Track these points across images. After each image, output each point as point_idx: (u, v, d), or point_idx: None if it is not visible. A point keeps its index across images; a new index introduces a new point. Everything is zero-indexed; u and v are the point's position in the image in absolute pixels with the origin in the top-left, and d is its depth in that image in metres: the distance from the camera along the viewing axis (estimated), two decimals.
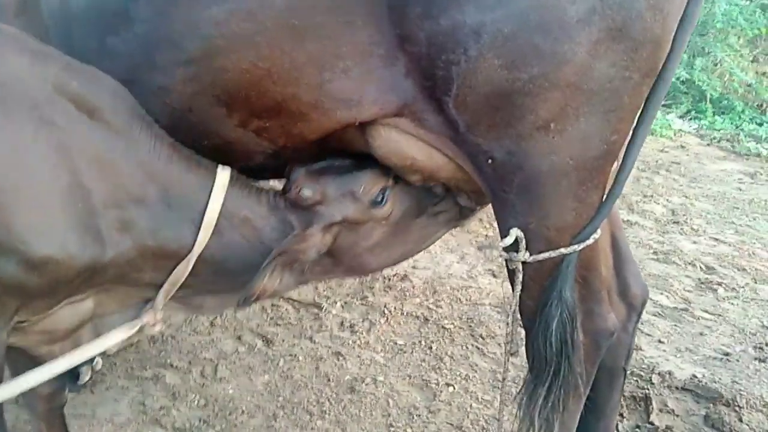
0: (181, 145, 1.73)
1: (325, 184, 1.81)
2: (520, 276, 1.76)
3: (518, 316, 1.87)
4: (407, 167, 1.83)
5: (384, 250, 1.96)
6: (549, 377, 1.80)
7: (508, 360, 1.96)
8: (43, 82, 1.51)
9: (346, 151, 1.88)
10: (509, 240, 1.67)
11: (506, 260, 1.78)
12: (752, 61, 10.01)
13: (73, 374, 2.75)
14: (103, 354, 2.94)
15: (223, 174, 1.75)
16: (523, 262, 1.72)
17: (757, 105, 8.81)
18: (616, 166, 1.96)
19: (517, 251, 1.70)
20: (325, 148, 1.86)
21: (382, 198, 1.85)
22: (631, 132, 1.70)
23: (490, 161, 1.62)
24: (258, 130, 1.76)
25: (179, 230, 1.69)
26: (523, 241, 1.68)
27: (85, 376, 2.78)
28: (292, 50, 1.59)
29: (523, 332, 1.88)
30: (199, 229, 1.69)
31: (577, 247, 1.68)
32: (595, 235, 1.70)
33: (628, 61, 1.47)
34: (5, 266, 1.46)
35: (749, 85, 8.94)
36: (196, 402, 2.75)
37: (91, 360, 2.81)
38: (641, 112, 1.64)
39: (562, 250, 1.68)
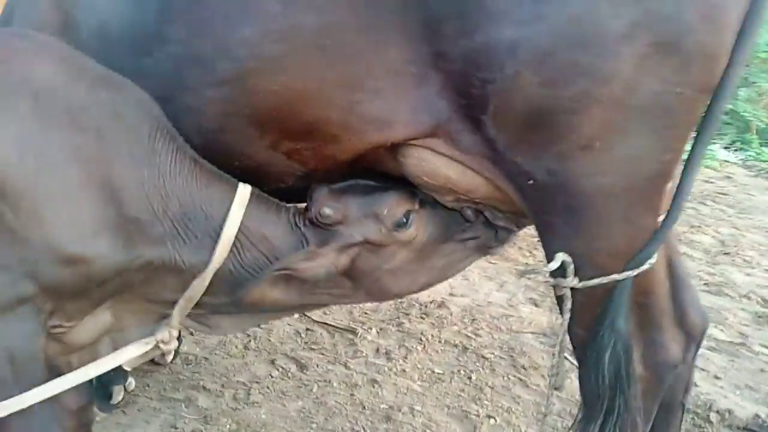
0: (203, 159, 1.72)
1: (347, 204, 1.75)
2: (569, 303, 1.65)
3: (566, 346, 1.75)
4: (440, 187, 1.75)
5: (407, 275, 1.88)
6: (602, 415, 1.66)
7: (552, 394, 1.83)
8: (77, 89, 1.54)
9: (376, 171, 1.82)
10: (555, 264, 1.57)
11: (553, 286, 1.67)
12: None
13: (105, 394, 2.71)
14: (135, 374, 2.91)
15: (244, 190, 1.73)
16: (572, 288, 1.61)
17: None
18: (672, 187, 1.87)
19: (564, 276, 1.60)
20: (356, 170, 1.81)
21: (407, 221, 1.78)
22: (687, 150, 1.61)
23: (531, 182, 1.53)
24: (289, 152, 1.72)
25: (197, 245, 1.67)
26: (571, 266, 1.58)
27: (118, 396, 2.73)
28: (323, 71, 1.55)
29: (568, 365, 1.77)
30: (216, 245, 1.66)
31: (631, 273, 1.56)
32: (651, 260, 1.59)
33: (680, 77, 1.37)
34: (41, 264, 1.48)
35: None
36: (227, 426, 2.67)
37: (124, 380, 2.77)
38: (699, 130, 1.54)
39: (615, 276, 1.56)
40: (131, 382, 2.83)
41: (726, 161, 7.50)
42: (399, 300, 3.73)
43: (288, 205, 1.84)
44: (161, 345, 1.79)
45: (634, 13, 1.32)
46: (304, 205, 1.85)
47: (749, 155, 7.90)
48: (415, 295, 3.78)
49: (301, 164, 1.77)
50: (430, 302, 3.67)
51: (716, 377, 2.96)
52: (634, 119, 1.40)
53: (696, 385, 2.86)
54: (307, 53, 1.54)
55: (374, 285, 1.86)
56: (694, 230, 4.92)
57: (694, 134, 1.61)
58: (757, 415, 2.65)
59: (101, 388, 2.69)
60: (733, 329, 3.38)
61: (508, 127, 1.49)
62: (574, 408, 2.74)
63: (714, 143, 8.02)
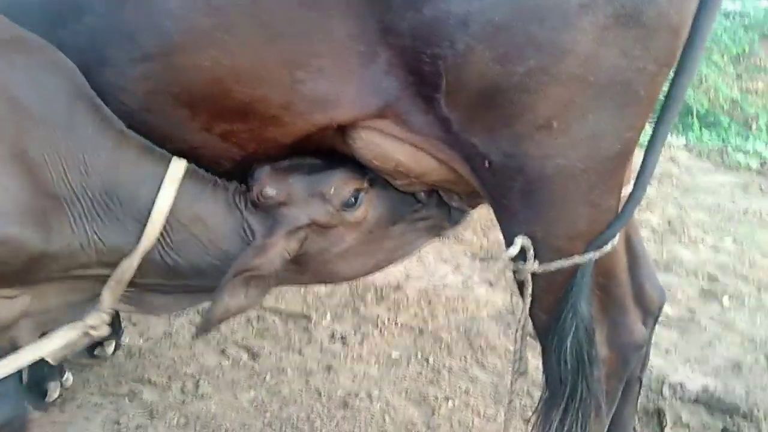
0: (132, 132, 1.57)
1: (291, 184, 1.64)
2: (530, 288, 1.60)
3: (527, 331, 1.71)
4: (392, 171, 1.67)
5: (357, 258, 1.80)
6: (565, 399, 1.63)
7: (515, 381, 1.78)
8: None
9: (324, 152, 1.72)
10: (514, 250, 1.51)
11: (513, 271, 1.61)
12: (736, 78, 10.13)
13: (39, 391, 2.52)
14: (73, 369, 2.73)
15: (177, 166, 1.59)
16: (533, 273, 1.56)
17: (743, 120, 8.87)
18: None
19: (524, 260, 1.54)
20: (301, 153, 1.70)
21: (356, 200, 1.69)
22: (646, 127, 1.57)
23: (487, 164, 1.46)
24: (225, 134, 1.60)
25: (122, 226, 1.55)
26: (531, 250, 1.52)
27: (53, 393, 2.55)
28: (260, 47, 1.43)
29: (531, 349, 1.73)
30: (145, 225, 1.54)
31: (592, 256, 1.52)
32: (614, 242, 1.55)
33: (642, 51, 1.31)
34: None
35: (734, 101, 9.01)
36: (175, 420, 2.53)
37: (60, 375, 2.59)
38: (663, 105, 1.50)
39: (576, 259, 1.52)
40: (68, 377, 2.65)
41: (670, 144, 7.71)
42: (354, 284, 3.65)
43: (228, 183, 1.71)
44: (91, 331, 1.65)
45: None
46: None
47: (691, 138, 8.17)
48: (370, 279, 3.71)
49: (239, 147, 1.64)
50: (386, 286, 3.60)
51: (667, 352, 3.01)
52: (594, 96, 1.34)
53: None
54: (241, 27, 1.42)
55: (322, 268, 1.77)
56: (641, 210, 5.01)
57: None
58: (706, 387, 2.71)
59: (34, 385, 2.51)
60: (681, 305, 3.45)
61: (462, 106, 1.41)
62: (531, 387, 2.74)
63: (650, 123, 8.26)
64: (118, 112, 1.56)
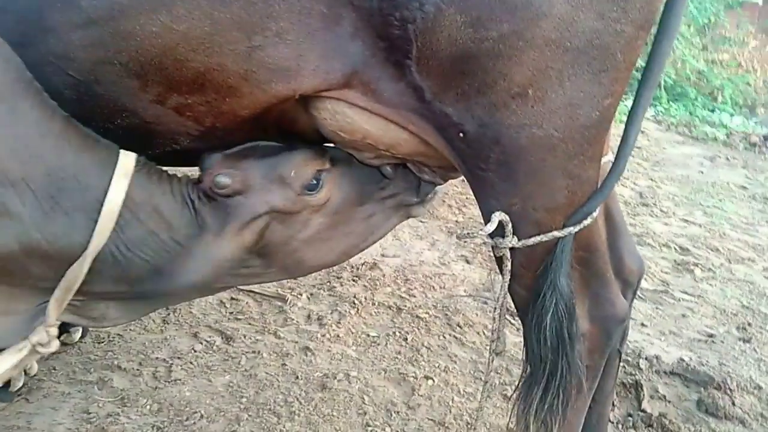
0: (76, 121, 1.42)
1: (246, 170, 1.51)
2: (509, 264, 1.55)
3: (506, 308, 1.67)
4: (359, 144, 1.59)
5: (324, 244, 1.68)
6: (545, 376, 1.60)
7: (492, 359, 1.75)
8: None
9: (284, 130, 1.61)
10: (491, 226, 1.45)
11: (492, 246, 1.57)
12: (702, 49, 10.25)
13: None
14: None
15: (127, 157, 1.45)
16: (511, 248, 1.52)
17: (709, 92, 9.00)
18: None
19: (502, 236, 1.49)
20: (263, 128, 1.59)
21: (318, 182, 1.57)
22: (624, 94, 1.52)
23: (461, 135, 1.39)
24: (179, 107, 1.48)
25: (70, 223, 1.39)
26: (509, 225, 1.47)
27: (18, 383, 2.43)
28: (214, 10, 1.31)
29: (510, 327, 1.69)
30: (96, 222, 1.39)
31: (572, 230, 1.48)
32: (594, 214, 1.51)
33: (619, 12, 1.26)
34: None
35: (700, 72, 9.13)
36: (148, 407, 2.45)
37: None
38: (645, 71, 1.46)
39: (555, 233, 1.47)
40: (33, 365, 2.51)
41: None
42: None
43: (178, 174, 1.57)
44: (39, 349, 1.49)
45: None
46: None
47: (659, 111, 8.26)
48: None
49: (195, 122, 1.52)
50: (362, 264, 3.55)
51: (643, 325, 3.05)
52: (570, 62, 1.28)
53: None
54: None
55: (289, 259, 1.65)
56: None
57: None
58: (681, 359, 2.75)
59: None
60: (655, 278, 3.50)
61: (434, 73, 1.33)
62: (510, 364, 2.74)
63: (627, 99, 8.32)
64: (64, 84, 1.43)
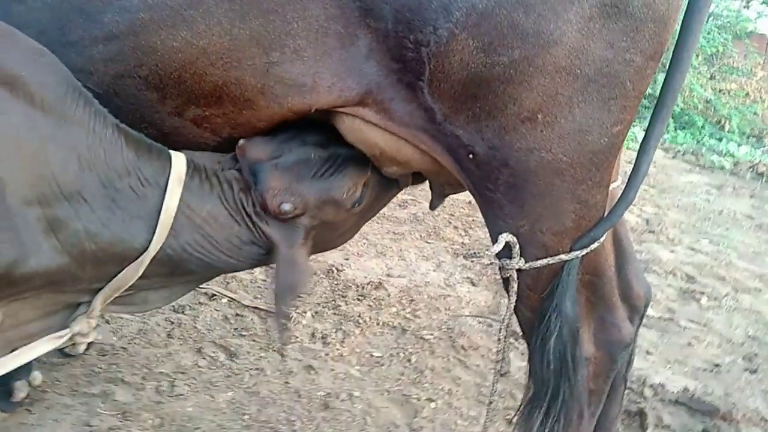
0: (127, 126, 1.45)
1: (305, 195, 1.58)
2: (515, 285, 1.57)
3: (511, 330, 1.68)
4: (377, 157, 1.63)
5: (345, 235, 1.85)
6: (547, 400, 1.60)
7: (497, 381, 1.75)
8: None
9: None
10: (498, 247, 1.47)
11: (499, 267, 1.58)
12: (710, 78, 10.31)
13: (5, 391, 2.41)
14: (42, 367, 2.62)
15: (179, 162, 1.49)
16: (518, 270, 1.53)
17: (716, 120, 9.04)
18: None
19: (510, 257, 1.51)
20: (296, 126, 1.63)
21: (362, 197, 1.68)
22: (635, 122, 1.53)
23: (471, 156, 1.42)
24: (197, 119, 1.52)
25: (127, 230, 1.42)
26: (517, 246, 1.49)
27: (21, 393, 2.43)
28: (233, 26, 1.35)
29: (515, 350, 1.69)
30: (154, 228, 1.43)
31: (579, 253, 1.50)
32: (601, 239, 1.52)
33: (629, 42, 1.29)
34: None
35: (708, 101, 9.19)
36: (150, 422, 2.44)
37: (28, 374, 2.48)
38: (658, 101, 1.48)
39: (562, 257, 1.49)
40: (36, 376, 2.53)
41: None
42: (335, 282, 3.59)
43: (230, 176, 1.61)
44: (78, 338, 1.53)
45: None
46: (232, 170, 1.64)
47: (666, 138, 8.28)
48: (351, 277, 3.66)
49: (212, 132, 1.57)
50: (367, 284, 3.55)
51: (648, 352, 3.03)
52: (580, 89, 1.31)
53: None
54: (213, 5, 1.34)
55: (322, 247, 1.80)
56: None
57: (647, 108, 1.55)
58: (686, 388, 2.72)
59: (0, 385, 2.39)
60: (661, 305, 3.48)
61: (446, 95, 1.36)
62: (514, 388, 2.72)
63: (635, 126, 8.36)
64: None
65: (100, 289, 1.48)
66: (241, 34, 1.35)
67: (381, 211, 4.83)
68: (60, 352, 2.71)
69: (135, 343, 2.90)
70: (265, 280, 3.51)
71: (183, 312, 3.15)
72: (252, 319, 3.16)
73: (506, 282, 1.59)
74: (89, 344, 2.77)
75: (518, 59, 1.27)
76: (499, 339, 1.67)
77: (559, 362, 1.56)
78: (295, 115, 1.48)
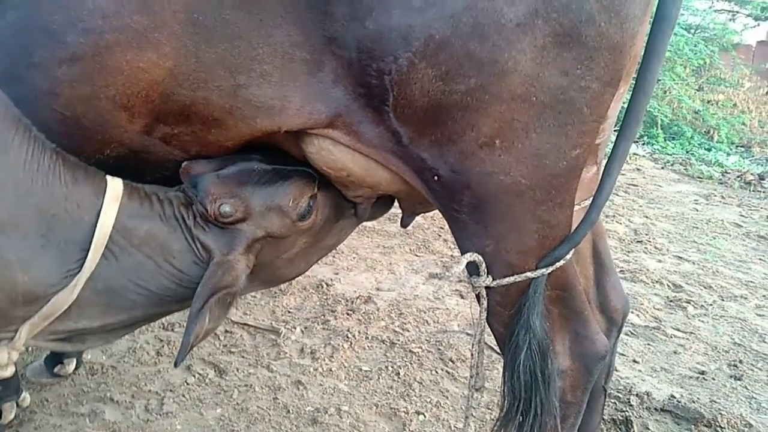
0: (64, 152, 1.43)
1: (247, 198, 1.55)
2: (485, 302, 1.61)
3: (484, 345, 1.71)
4: (343, 180, 1.65)
5: (303, 259, 1.78)
6: (518, 414, 1.62)
7: (472, 396, 1.77)
8: None
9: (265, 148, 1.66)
10: (459, 267, 1.51)
11: (469, 285, 1.62)
12: (698, 90, 10.45)
13: None
14: (30, 388, 2.63)
15: (115, 183, 1.45)
16: (487, 287, 1.57)
17: (705, 131, 9.14)
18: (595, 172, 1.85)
19: (478, 275, 1.55)
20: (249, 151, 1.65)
21: (309, 209, 1.65)
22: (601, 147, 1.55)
23: (436, 178, 1.46)
24: (166, 137, 1.54)
25: (62, 257, 1.37)
26: (483, 265, 1.53)
27: (9, 415, 2.44)
28: (198, 49, 1.38)
29: (495, 355, 1.69)
30: (88, 250, 1.38)
31: (544, 271, 1.53)
32: (567, 257, 1.56)
33: (584, 70, 1.31)
34: None
35: (696, 112, 9.29)
36: None
37: (17, 395, 2.49)
38: (623, 122, 1.51)
39: (529, 275, 1.52)
40: (26, 397, 2.54)
41: (636, 154, 7.89)
42: (324, 296, 3.61)
43: (169, 195, 1.59)
44: None
45: (531, 2, 1.24)
46: (177, 192, 1.61)
47: (656, 149, 8.37)
48: (341, 291, 3.68)
49: (181, 150, 1.58)
50: (357, 298, 3.57)
51: (634, 361, 3.05)
52: (536, 115, 1.34)
53: (616, 370, 2.93)
54: (177, 28, 1.36)
55: (271, 274, 1.73)
56: (608, 219, 5.10)
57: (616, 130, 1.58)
58: (672, 396, 2.74)
59: None
60: (648, 314, 3.51)
61: (410, 120, 1.40)
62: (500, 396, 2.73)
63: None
64: (52, 119, 1.46)
65: (29, 317, 1.39)
66: (207, 57, 1.38)
67: (371, 225, 4.86)
68: (49, 372, 2.73)
69: (124, 362, 2.91)
70: (254, 296, 3.53)
71: (172, 329, 3.17)
72: (241, 336, 3.18)
73: (478, 298, 1.62)
74: (78, 363, 2.80)
75: (474, 87, 1.30)
76: (472, 354, 1.70)
77: (530, 377, 1.57)
78: (263, 135, 1.52)
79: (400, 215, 2.01)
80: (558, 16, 1.25)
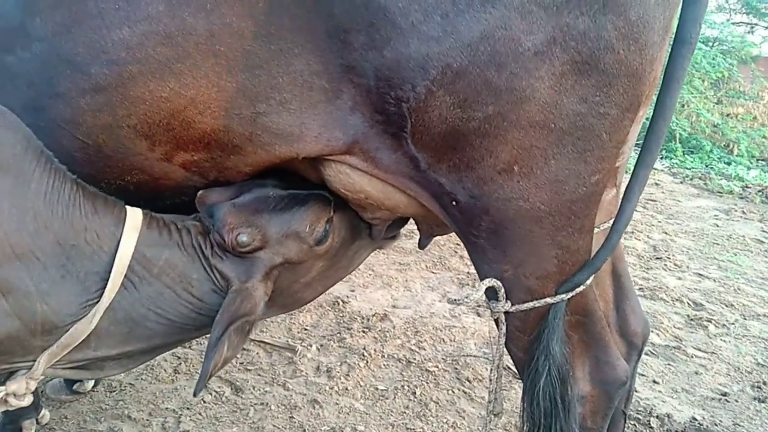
0: (84, 183, 1.45)
1: (263, 226, 1.55)
2: (504, 327, 1.59)
3: (503, 370, 1.69)
4: (361, 203, 1.66)
5: (320, 282, 1.77)
6: None
7: (490, 421, 1.75)
8: None
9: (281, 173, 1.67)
10: (478, 294, 1.51)
11: (488, 309, 1.61)
12: (717, 103, 10.34)
13: (14, 429, 2.45)
14: (50, 405, 2.66)
15: (134, 213, 1.48)
16: (506, 313, 1.56)
17: (724, 145, 9.03)
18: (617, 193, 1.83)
19: (497, 300, 1.54)
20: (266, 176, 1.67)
21: (326, 234, 1.65)
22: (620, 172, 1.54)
23: (454, 203, 1.46)
24: (186, 164, 1.56)
25: (82, 287, 1.38)
26: (502, 290, 1.52)
27: (29, 431, 2.48)
28: (219, 79, 1.40)
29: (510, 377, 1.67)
30: (107, 280, 1.39)
31: (564, 297, 1.52)
32: (587, 282, 1.54)
33: (602, 97, 1.30)
34: None
35: (716, 126, 9.19)
36: None
37: (36, 412, 2.52)
38: (643, 146, 1.50)
39: (548, 300, 1.52)
40: (45, 414, 2.57)
41: (654, 168, 7.80)
42: (340, 314, 3.61)
43: (188, 224, 1.61)
44: (10, 399, 1.41)
45: (549, 30, 1.24)
46: (194, 221, 1.63)
47: (674, 163, 8.28)
48: (357, 309, 3.68)
49: (200, 176, 1.60)
50: (373, 315, 3.57)
51: (654, 382, 3.00)
52: (555, 142, 1.33)
53: (636, 391, 2.89)
54: (199, 59, 1.39)
55: (289, 299, 1.73)
56: (627, 236, 5.05)
57: (636, 153, 1.56)
58: (693, 418, 2.69)
59: (9, 422, 2.43)
60: (668, 333, 3.45)
61: (428, 147, 1.40)
62: (518, 420, 2.70)
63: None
64: (74, 148, 1.49)
65: (47, 347, 1.39)
66: (227, 86, 1.41)
67: None
68: (69, 389, 2.76)
69: (142, 379, 2.93)
70: None
71: (190, 347, 3.19)
72: (258, 354, 3.18)
73: (497, 323, 1.61)
74: (97, 381, 2.82)
75: (492, 115, 1.30)
76: (490, 379, 1.69)
77: (549, 403, 1.56)
78: (282, 161, 1.53)
79: (416, 232, 2.01)
80: (576, 45, 1.25)
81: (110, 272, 1.40)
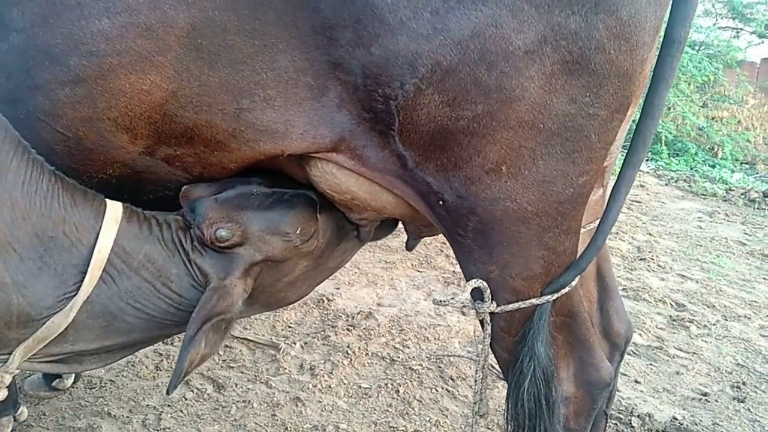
0: (63, 175, 1.43)
1: (245, 223, 1.54)
2: (489, 328, 1.59)
3: (488, 371, 1.69)
4: (348, 203, 1.65)
5: (305, 282, 1.76)
6: None
7: (476, 421, 1.75)
8: None
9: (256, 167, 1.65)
10: (464, 294, 1.50)
11: (473, 309, 1.60)
12: (702, 107, 10.45)
13: None
14: (28, 402, 2.62)
15: (114, 206, 1.46)
16: (491, 313, 1.56)
17: (709, 147, 9.13)
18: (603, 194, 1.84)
19: (482, 300, 1.53)
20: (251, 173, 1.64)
21: (312, 234, 1.64)
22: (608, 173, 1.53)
23: (441, 203, 1.45)
24: (168, 158, 1.53)
25: (59, 280, 1.36)
26: (488, 291, 1.51)
27: (6, 429, 2.43)
28: (201, 73, 1.38)
29: (495, 375, 1.67)
30: (85, 273, 1.38)
31: (549, 298, 1.52)
32: (572, 284, 1.54)
33: (592, 97, 1.30)
34: None
35: (701, 129, 9.29)
36: None
37: (14, 409, 2.48)
38: (630, 147, 1.50)
39: (533, 301, 1.51)
40: (23, 411, 2.53)
41: (639, 170, 7.85)
42: (325, 312, 3.60)
43: (168, 218, 1.59)
44: None
45: (540, 29, 1.23)
46: (176, 215, 1.60)
47: (660, 165, 8.36)
48: (342, 306, 3.67)
49: (184, 171, 1.58)
50: (357, 313, 3.56)
51: (636, 381, 3.02)
52: (543, 142, 1.33)
53: (618, 390, 2.90)
54: (181, 52, 1.36)
55: (273, 297, 1.71)
56: (611, 237, 5.08)
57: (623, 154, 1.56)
58: (674, 418, 2.71)
59: None
60: (650, 333, 3.48)
61: (416, 145, 1.39)
62: (502, 419, 2.71)
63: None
64: (54, 140, 1.46)
65: (23, 340, 1.38)
66: (210, 80, 1.38)
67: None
68: (47, 386, 2.72)
69: (123, 376, 2.90)
70: None
71: (172, 343, 3.16)
72: (241, 351, 3.16)
73: (482, 323, 1.61)
74: (76, 377, 2.79)
75: (481, 114, 1.30)
76: (475, 380, 1.68)
77: (534, 403, 1.56)
78: (267, 158, 1.51)
79: (402, 230, 2.00)
80: (567, 44, 1.24)
81: (88, 265, 1.39)
